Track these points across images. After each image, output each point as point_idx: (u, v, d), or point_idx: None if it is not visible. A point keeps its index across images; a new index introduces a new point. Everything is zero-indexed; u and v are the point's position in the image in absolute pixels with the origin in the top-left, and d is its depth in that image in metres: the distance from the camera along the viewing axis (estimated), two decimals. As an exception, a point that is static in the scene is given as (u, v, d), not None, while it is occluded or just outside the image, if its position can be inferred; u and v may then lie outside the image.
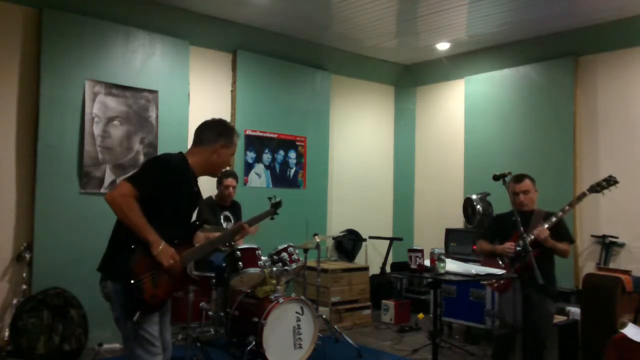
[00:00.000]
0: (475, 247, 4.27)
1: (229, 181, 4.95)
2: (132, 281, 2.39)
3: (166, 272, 2.48)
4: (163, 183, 2.49)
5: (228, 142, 2.72)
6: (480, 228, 5.68)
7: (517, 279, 3.50)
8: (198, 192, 2.72)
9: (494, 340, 4.07)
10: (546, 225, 3.68)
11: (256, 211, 5.48)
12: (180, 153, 2.69)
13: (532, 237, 3.63)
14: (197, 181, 2.70)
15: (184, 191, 2.58)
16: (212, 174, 2.79)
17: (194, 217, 2.79)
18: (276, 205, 3.06)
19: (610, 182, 3.78)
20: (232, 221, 5.05)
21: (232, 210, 5.10)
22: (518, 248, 3.67)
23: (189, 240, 2.67)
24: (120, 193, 2.40)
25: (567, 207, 3.77)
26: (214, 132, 2.71)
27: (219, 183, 5.00)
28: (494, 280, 3.90)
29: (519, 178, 3.93)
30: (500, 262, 3.88)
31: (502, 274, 3.37)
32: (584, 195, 3.82)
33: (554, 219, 3.72)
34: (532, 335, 3.63)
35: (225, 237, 2.86)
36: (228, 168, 5.56)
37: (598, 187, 3.79)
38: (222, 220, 4.95)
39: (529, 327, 3.69)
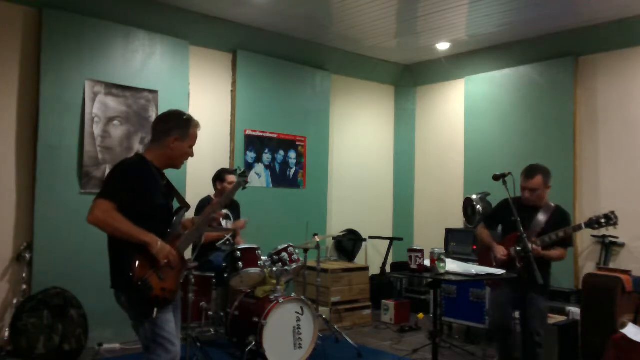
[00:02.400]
0: (476, 239, 4.19)
1: (232, 177, 4.92)
2: (138, 283, 2.45)
3: (167, 266, 2.56)
4: (131, 186, 2.52)
5: (182, 135, 2.67)
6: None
7: (517, 279, 3.49)
8: (168, 184, 2.75)
9: (494, 342, 4.03)
10: (539, 243, 3.59)
11: (256, 211, 5.59)
12: (137, 154, 2.73)
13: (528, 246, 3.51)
14: (163, 174, 2.72)
15: (153, 188, 2.61)
16: (173, 167, 2.77)
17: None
18: (242, 175, 3.06)
19: (610, 222, 3.56)
20: (232, 219, 5.05)
21: (231, 209, 5.09)
22: (518, 248, 3.64)
23: (177, 231, 2.72)
24: (101, 211, 2.44)
25: (562, 234, 3.60)
26: (165, 126, 2.68)
27: (221, 180, 4.97)
28: None
29: (530, 173, 3.71)
30: (494, 262, 3.83)
31: (503, 273, 3.36)
32: (579, 228, 3.62)
33: (546, 240, 3.61)
34: (527, 333, 3.63)
35: (207, 218, 2.84)
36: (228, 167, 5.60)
37: (597, 225, 3.59)
38: (221, 219, 4.94)
39: (523, 325, 3.69)
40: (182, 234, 2.72)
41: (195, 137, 2.74)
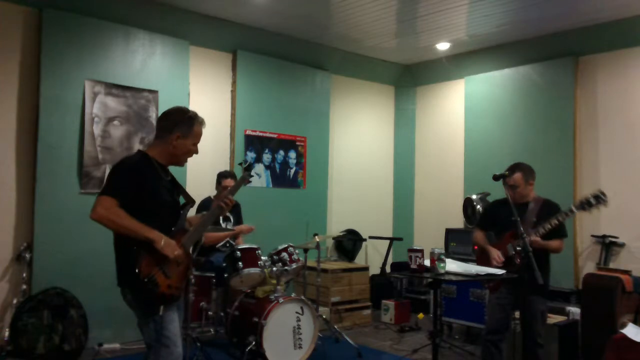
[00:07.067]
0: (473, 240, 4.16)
1: (227, 181, 4.94)
2: (145, 280, 2.45)
3: (173, 263, 2.55)
4: (132, 183, 2.51)
5: (185, 133, 2.64)
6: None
7: (517, 279, 3.48)
8: (172, 180, 2.73)
9: (482, 344, 3.87)
10: (538, 234, 3.56)
11: (256, 211, 5.58)
12: (139, 150, 2.71)
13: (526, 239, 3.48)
14: (167, 170, 2.70)
15: (155, 184, 2.59)
16: (176, 164, 2.75)
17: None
18: (248, 169, 3.05)
19: (600, 200, 3.51)
20: (232, 221, 5.05)
21: (232, 211, 5.09)
22: (518, 248, 3.63)
23: (182, 226, 2.71)
24: (103, 207, 2.42)
25: (555, 222, 3.57)
26: (169, 123, 2.66)
27: (218, 184, 5.01)
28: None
29: (510, 171, 3.75)
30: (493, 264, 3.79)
31: (503, 273, 3.36)
32: (571, 211, 3.58)
33: (541, 230, 3.57)
34: (528, 334, 3.62)
35: (214, 212, 2.81)
36: (227, 169, 5.60)
37: (587, 206, 3.54)
38: (221, 220, 4.96)
39: (523, 326, 3.68)
40: (187, 230, 2.71)
41: (199, 135, 2.72)
